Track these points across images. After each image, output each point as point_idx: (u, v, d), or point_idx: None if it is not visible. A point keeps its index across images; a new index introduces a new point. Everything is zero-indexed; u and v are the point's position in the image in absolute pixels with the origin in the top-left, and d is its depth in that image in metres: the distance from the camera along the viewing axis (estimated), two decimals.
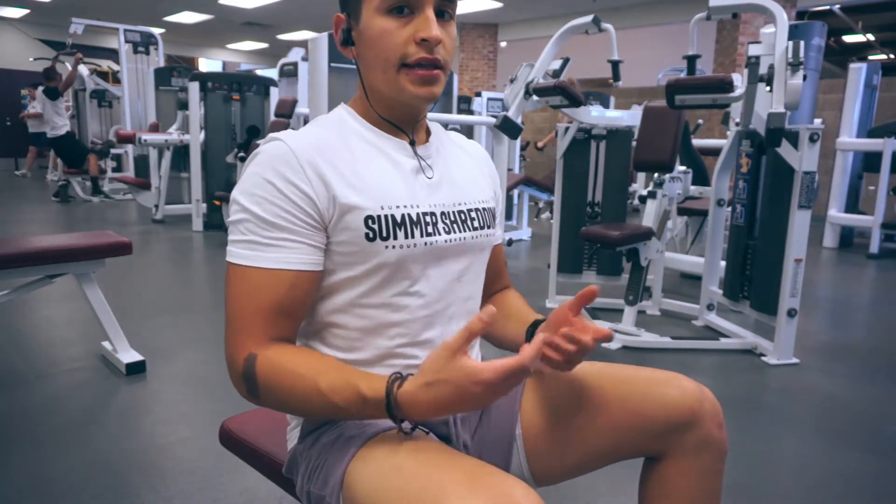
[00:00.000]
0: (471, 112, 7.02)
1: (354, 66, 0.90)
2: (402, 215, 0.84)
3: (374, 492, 0.73)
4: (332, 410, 0.76)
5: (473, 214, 0.94)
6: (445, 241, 0.88)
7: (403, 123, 0.90)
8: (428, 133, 0.96)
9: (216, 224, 5.74)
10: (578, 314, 0.83)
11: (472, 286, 0.95)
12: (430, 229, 0.87)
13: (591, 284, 0.81)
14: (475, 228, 0.93)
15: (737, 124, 3.12)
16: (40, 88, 7.70)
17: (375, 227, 0.82)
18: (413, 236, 0.85)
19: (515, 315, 1.01)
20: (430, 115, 1.14)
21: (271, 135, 0.85)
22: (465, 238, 0.91)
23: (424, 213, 0.87)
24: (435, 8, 0.82)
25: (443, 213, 0.89)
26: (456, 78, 7.18)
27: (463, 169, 0.97)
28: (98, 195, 7.80)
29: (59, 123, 7.53)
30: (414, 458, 0.74)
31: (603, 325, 0.77)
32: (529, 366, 0.68)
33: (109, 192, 8.05)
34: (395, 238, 0.83)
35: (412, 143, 0.91)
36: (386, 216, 0.83)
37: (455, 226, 0.90)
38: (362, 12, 0.83)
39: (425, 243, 0.86)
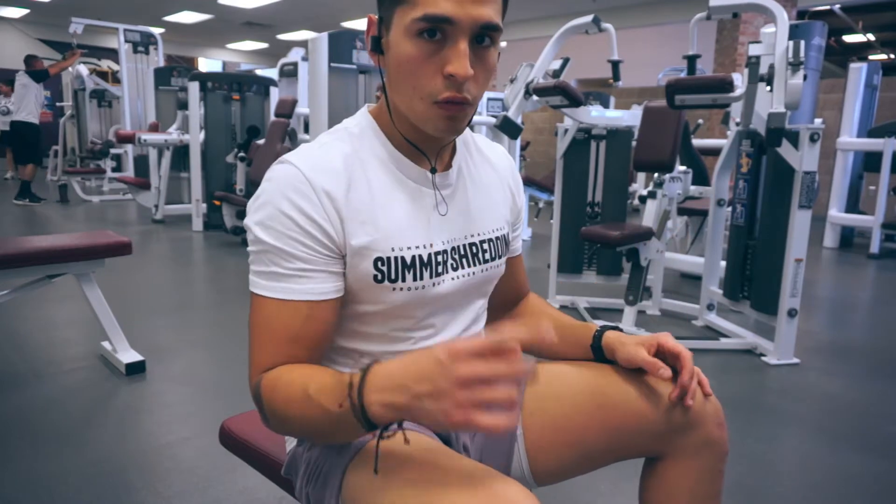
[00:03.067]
0: None
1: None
2: (413, 257, 0.81)
3: (372, 494, 0.73)
4: (323, 419, 0.69)
5: (486, 246, 0.90)
6: (453, 277, 0.86)
7: (426, 146, 0.85)
8: (453, 151, 0.90)
9: (216, 224, 5.73)
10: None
11: (477, 311, 0.95)
12: (439, 269, 0.84)
13: (647, 336, 0.87)
14: (485, 261, 0.90)
15: (737, 124, 3.12)
16: (21, 73, 7.30)
17: (384, 269, 0.80)
18: (422, 278, 0.82)
19: (548, 315, 1.04)
20: None
21: (283, 157, 0.81)
22: (474, 272, 0.89)
23: (437, 253, 0.84)
24: (473, 35, 0.73)
25: (453, 249, 0.86)
26: None
27: (482, 191, 0.92)
28: (32, 199, 7.25)
29: (35, 111, 7.27)
30: (412, 460, 0.73)
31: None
32: (511, 343, 0.59)
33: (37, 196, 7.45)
34: (404, 280, 0.81)
35: (433, 171, 0.85)
36: (396, 258, 0.80)
37: (464, 260, 0.88)
38: (392, 26, 0.76)
39: (433, 284, 0.83)
